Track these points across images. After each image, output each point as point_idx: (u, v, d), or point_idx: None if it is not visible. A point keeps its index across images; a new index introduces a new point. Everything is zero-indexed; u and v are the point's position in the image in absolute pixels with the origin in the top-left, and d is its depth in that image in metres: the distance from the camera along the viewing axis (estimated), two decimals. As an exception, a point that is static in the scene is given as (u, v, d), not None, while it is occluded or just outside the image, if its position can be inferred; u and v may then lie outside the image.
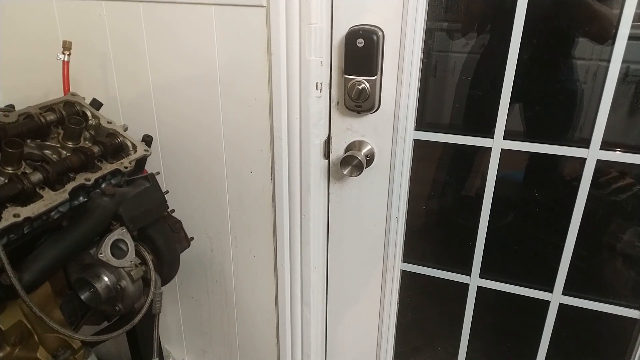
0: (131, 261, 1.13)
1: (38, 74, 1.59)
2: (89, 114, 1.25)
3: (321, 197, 1.38)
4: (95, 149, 1.16)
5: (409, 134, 1.24)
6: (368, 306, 1.48)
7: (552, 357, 1.35)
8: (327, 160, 1.34)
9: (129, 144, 1.24)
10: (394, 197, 1.31)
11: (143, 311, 1.16)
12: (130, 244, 1.13)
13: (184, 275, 1.70)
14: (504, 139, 1.19)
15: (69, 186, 1.07)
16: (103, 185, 1.17)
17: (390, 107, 1.22)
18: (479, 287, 1.36)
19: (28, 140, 1.13)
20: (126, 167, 1.20)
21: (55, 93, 1.41)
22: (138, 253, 1.17)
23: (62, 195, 1.05)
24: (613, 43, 1.04)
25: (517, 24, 1.08)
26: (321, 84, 1.23)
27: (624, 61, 1.05)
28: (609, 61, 1.05)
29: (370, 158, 1.28)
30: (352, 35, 1.15)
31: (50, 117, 1.18)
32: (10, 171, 1.02)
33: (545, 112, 1.18)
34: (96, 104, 1.29)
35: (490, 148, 1.21)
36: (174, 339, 1.88)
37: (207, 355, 1.84)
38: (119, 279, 1.13)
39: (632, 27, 1.02)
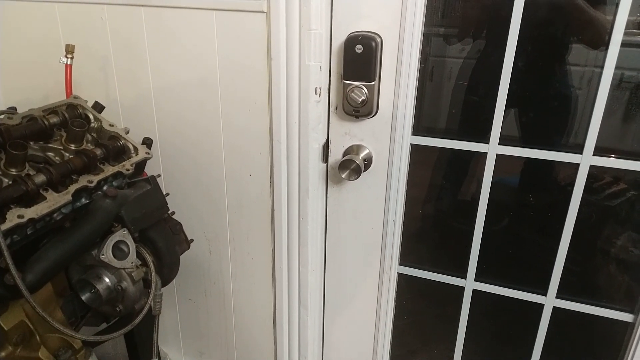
0: (132, 262, 1.14)
1: (39, 77, 1.60)
2: (91, 116, 1.26)
3: (319, 200, 1.40)
4: (98, 151, 1.17)
5: (406, 139, 1.26)
6: (365, 308, 1.50)
7: (545, 359, 1.37)
8: (325, 164, 1.36)
9: (131, 146, 1.26)
10: (391, 200, 1.32)
11: (144, 312, 1.17)
12: (132, 245, 1.14)
13: (182, 277, 1.71)
14: (499, 144, 1.21)
15: (72, 188, 1.08)
16: (105, 188, 1.18)
17: (388, 112, 1.24)
18: (474, 290, 1.38)
19: (31, 143, 1.14)
20: (128, 170, 1.21)
21: (55, 95, 1.42)
22: (139, 254, 1.18)
23: (65, 196, 1.06)
24: (606, 49, 1.06)
25: (512, 30, 1.10)
26: (320, 88, 1.25)
27: (617, 67, 1.06)
28: (602, 67, 1.07)
29: (368, 162, 1.29)
30: (351, 41, 1.17)
31: (54, 119, 1.19)
32: (14, 173, 1.03)
33: (540, 118, 1.20)
34: (98, 107, 1.30)
35: (486, 153, 1.23)
36: (172, 341, 1.89)
37: (205, 357, 1.85)
38: (120, 280, 1.14)
39: (626, 34, 1.04)
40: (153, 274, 1.19)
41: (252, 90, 1.31)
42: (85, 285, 1.13)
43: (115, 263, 1.12)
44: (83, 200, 1.14)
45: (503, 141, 1.20)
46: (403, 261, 1.42)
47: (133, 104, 1.51)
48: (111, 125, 1.27)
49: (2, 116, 1.15)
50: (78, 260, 1.15)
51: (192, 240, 1.39)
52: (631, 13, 1.02)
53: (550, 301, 1.30)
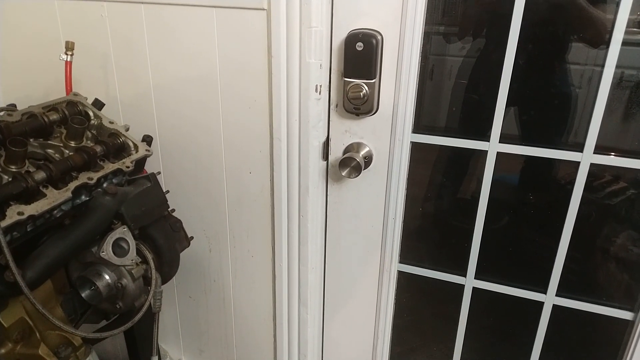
0: (132, 260, 1.14)
1: (39, 74, 1.60)
2: (91, 113, 1.27)
3: (319, 198, 1.40)
4: (98, 148, 1.17)
5: (407, 137, 1.25)
6: (365, 306, 1.50)
7: (545, 357, 1.37)
8: (325, 162, 1.36)
9: (131, 144, 1.26)
10: (391, 198, 1.32)
11: (144, 309, 1.17)
12: (132, 242, 1.15)
13: (182, 274, 1.70)
14: (499, 142, 1.21)
15: (72, 185, 1.08)
16: (105, 185, 1.18)
17: (389, 110, 1.24)
18: (474, 288, 1.38)
19: (31, 139, 1.14)
20: (128, 167, 1.21)
21: (55, 93, 1.42)
22: (139, 252, 1.18)
23: (65, 194, 1.06)
24: (607, 48, 1.06)
25: (513, 29, 1.10)
26: (320, 86, 1.25)
27: (618, 66, 1.06)
28: (603, 66, 1.07)
29: (368, 160, 1.29)
30: (352, 38, 1.17)
31: (53, 116, 1.19)
32: (14, 170, 1.03)
33: (540, 116, 1.20)
34: (98, 104, 1.30)
35: (486, 151, 1.23)
36: (171, 339, 1.89)
37: (204, 354, 1.85)
38: (119, 277, 1.14)
39: (626, 32, 1.04)
40: (153, 271, 1.19)
41: (252, 88, 1.31)
42: (85, 282, 1.13)
43: (115, 260, 1.12)
44: (83, 197, 1.14)
45: (503, 139, 1.20)
46: (403, 259, 1.42)
47: (133, 101, 1.51)
48: (111, 123, 1.27)
49: (2, 113, 1.15)
50: (78, 258, 1.15)
51: (192, 237, 1.39)
52: (632, 12, 1.02)
53: (550, 299, 1.31)
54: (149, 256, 1.19)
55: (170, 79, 1.42)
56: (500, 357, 1.49)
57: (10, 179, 1.01)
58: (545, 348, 1.36)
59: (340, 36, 1.20)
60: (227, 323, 1.72)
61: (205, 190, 1.53)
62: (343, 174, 1.26)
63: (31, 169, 1.05)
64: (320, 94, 1.26)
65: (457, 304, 1.41)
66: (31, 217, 0.99)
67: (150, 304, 1.20)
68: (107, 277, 1.13)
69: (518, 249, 1.34)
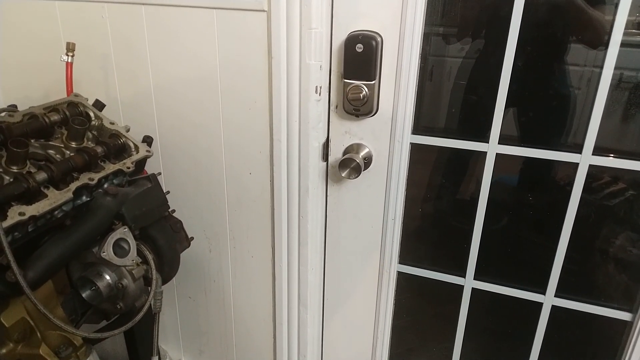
0: (133, 260, 1.15)
1: (39, 75, 1.61)
2: (92, 114, 1.27)
3: (319, 198, 1.40)
4: (99, 149, 1.18)
5: (406, 138, 1.26)
6: (364, 307, 1.50)
7: (544, 358, 1.37)
8: (325, 163, 1.36)
9: (131, 144, 1.26)
10: (390, 199, 1.33)
11: (144, 309, 1.17)
12: (132, 243, 1.15)
13: (181, 275, 1.70)
14: (498, 143, 1.21)
15: (73, 186, 1.08)
16: (106, 185, 1.18)
17: (388, 111, 1.24)
18: (473, 289, 1.38)
19: (32, 140, 1.14)
20: (129, 168, 1.21)
21: (55, 94, 1.43)
22: (139, 252, 1.18)
23: (66, 194, 1.06)
24: (606, 49, 1.06)
25: (512, 30, 1.10)
26: (320, 87, 1.25)
27: (617, 67, 1.06)
28: (602, 67, 1.07)
29: (368, 161, 1.30)
30: (352, 40, 1.17)
31: (54, 117, 1.19)
32: (16, 170, 1.03)
33: (539, 117, 1.20)
34: (99, 105, 1.31)
35: (485, 152, 1.23)
36: (171, 339, 1.89)
37: (204, 355, 1.85)
38: (120, 278, 1.14)
39: (625, 34, 1.04)
40: (153, 271, 1.19)
41: (253, 89, 1.31)
42: (85, 282, 1.14)
43: (116, 260, 1.12)
44: (84, 197, 1.14)
45: (502, 140, 1.21)
46: (402, 260, 1.42)
47: (133, 102, 1.51)
48: (112, 124, 1.28)
49: (3, 114, 1.15)
50: (79, 258, 1.15)
51: (192, 238, 1.39)
52: (631, 13, 1.02)
53: (549, 300, 1.31)
54: (150, 256, 1.19)
55: (170, 80, 1.42)
56: (499, 357, 1.49)
57: (11, 180, 1.02)
58: (544, 349, 1.36)
59: (340, 37, 1.20)
60: (227, 323, 1.72)
61: (205, 191, 1.53)
62: (343, 175, 1.26)
63: (32, 170, 1.06)
64: (320, 95, 1.26)
65: (457, 304, 1.41)
66: (32, 217, 0.99)
67: (150, 304, 1.21)
68: (107, 277, 1.13)
69: (517, 249, 1.34)
